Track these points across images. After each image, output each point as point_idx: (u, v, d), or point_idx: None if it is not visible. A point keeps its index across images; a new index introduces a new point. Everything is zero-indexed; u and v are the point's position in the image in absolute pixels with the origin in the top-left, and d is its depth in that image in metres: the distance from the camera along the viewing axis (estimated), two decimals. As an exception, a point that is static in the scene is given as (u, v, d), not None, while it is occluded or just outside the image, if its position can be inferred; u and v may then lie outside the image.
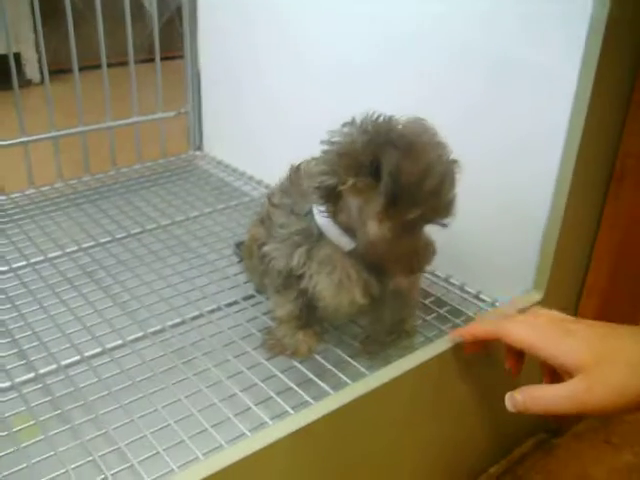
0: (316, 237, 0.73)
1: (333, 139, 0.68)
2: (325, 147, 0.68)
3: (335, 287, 0.74)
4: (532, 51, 0.80)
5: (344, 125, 0.68)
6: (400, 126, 0.66)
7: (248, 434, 0.68)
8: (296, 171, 0.78)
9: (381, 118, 0.67)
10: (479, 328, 0.73)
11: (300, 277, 0.76)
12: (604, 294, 0.92)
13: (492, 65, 0.84)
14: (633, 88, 0.80)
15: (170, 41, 1.36)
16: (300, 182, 0.75)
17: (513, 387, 0.73)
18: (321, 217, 0.72)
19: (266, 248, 0.78)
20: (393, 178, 0.62)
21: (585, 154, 0.78)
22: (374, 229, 0.66)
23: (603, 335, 0.61)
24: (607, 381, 0.57)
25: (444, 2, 0.87)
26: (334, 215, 0.71)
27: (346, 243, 0.72)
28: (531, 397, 0.63)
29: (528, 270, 0.87)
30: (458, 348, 0.77)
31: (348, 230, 0.71)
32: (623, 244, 0.89)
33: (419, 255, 0.71)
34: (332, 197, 0.69)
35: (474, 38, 0.86)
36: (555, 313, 0.67)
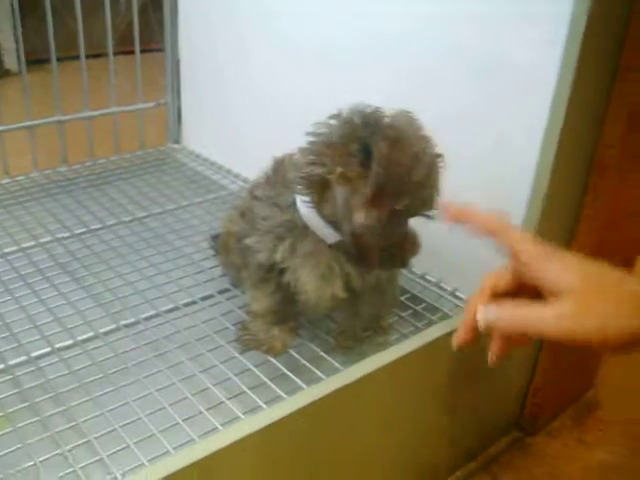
0: (300, 230, 0.73)
1: (319, 130, 0.68)
2: (311, 139, 0.68)
3: (318, 280, 0.74)
4: (513, 49, 0.80)
5: (331, 117, 0.68)
6: (387, 118, 0.66)
7: (220, 428, 0.67)
8: (280, 163, 0.78)
9: (368, 109, 0.67)
10: (479, 218, 0.64)
11: (281, 271, 0.75)
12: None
13: (476, 64, 0.84)
14: (613, 78, 0.80)
15: (144, 32, 1.34)
16: (284, 174, 0.75)
17: (490, 383, 0.73)
18: (305, 208, 0.71)
19: (248, 241, 0.77)
20: (382, 168, 0.62)
21: (564, 148, 0.79)
22: (361, 218, 0.66)
23: (597, 268, 0.57)
24: (597, 310, 0.54)
25: (432, 3, 0.87)
26: (319, 206, 0.70)
27: (330, 235, 0.71)
28: (514, 313, 0.57)
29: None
30: (433, 345, 0.77)
31: (332, 222, 0.70)
32: (603, 238, 0.89)
33: (405, 247, 0.71)
34: (318, 187, 0.68)
35: (459, 38, 0.86)
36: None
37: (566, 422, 1.09)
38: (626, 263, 1.01)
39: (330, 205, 0.69)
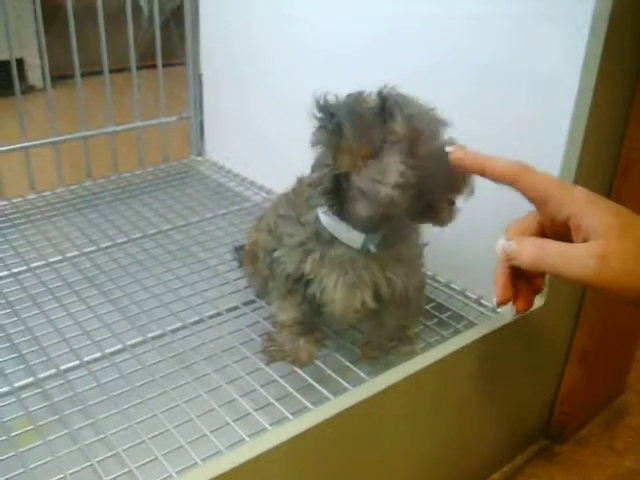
0: (326, 240, 0.73)
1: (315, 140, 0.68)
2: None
3: (346, 289, 0.74)
4: (533, 52, 0.80)
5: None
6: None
7: (247, 439, 0.67)
8: (299, 183, 0.79)
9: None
10: (492, 162, 0.61)
11: (308, 282, 0.76)
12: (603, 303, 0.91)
13: (489, 65, 0.84)
14: (637, 80, 0.80)
15: (166, 47, 1.36)
16: (304, 192, 0.75)
17: (516, 392, 0.72)
18: (327, 218, 0.72)
19: (277, 254, 0.78)
20: (406, 121, 0.63)
21: (588, 152, 0.78)
22: (394, 174, 0.63)
23: (634, 216, 0.54)
24: (627, 252, 0.51)
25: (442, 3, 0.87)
26: (340, 208, 0.69)
27: (356, 238, 0.71)
28: (539, 247, 0.55)
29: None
30: (459, 354, 0.77)
31: (357, 221, 0.70)
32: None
33: (454, 179, 0.66)
34: (334, 188, 0.68)
35: (471, 39, 0.86)
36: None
37: (595, 429, 1.08)
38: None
39: (352, 198, 0.68)
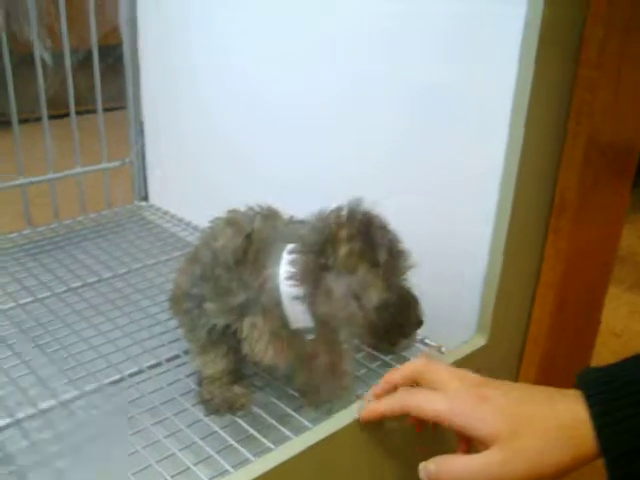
0: (267, 307, 0.72)
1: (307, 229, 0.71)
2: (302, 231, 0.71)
3: (273, 351, 0.74)
4: (461, 80, 0.81)
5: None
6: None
7: (185, 496, 0.65)
8: (247, 239, 0.75)
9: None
10: (384, 407, 0.67)
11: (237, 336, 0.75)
12: (550, 330, 0.92)
13: (420, 96, 0.85)
14: (567, 117, 0.81)
15: (107, 91, 1.35)
16: (256, 251, 0.74)
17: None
18: (289, 298, 0.71)
19: (209, 306, 0.76)
20: (388, 249, 0.67)
21: (522, 191, 0.79)
22: (376, 297, 0.68)
23: (519, 401, 0.58)
24: (523, 452, 0.55)
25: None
26: (311, 297, 0.69)
27: (306, 321, 0.72)
28: (446, 466, 0.59)
29: (472, 314, 0.86)
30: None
31: (319, 314, 0.71)
32: (566, 277, 0.89)
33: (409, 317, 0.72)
34: (314, 279, 0.69)
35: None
36: (468, 376, 0.63)
37: None
38: (591, 292, 1.02)
39: (325, 296, 0.69)
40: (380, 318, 0.69)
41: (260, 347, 0.73)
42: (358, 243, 0.66)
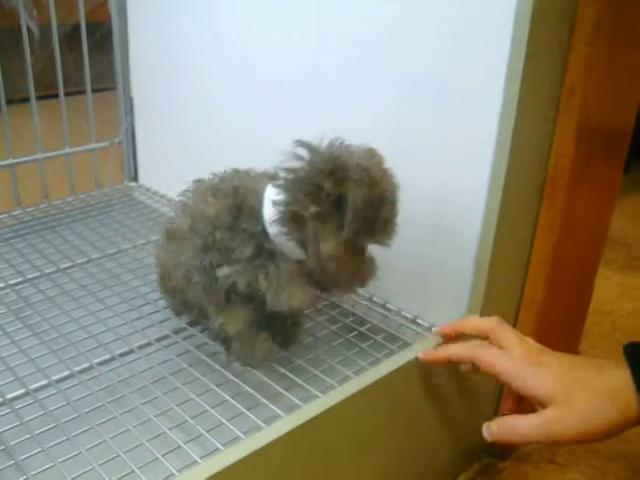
0: (270, 253, 0.76)
1: (291, 165, 0.71)
2: (283, 174, 0.72)
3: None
4: (454, 61, 0.80)
5: (298, 145, 0.71)
6: (357, 157, 0.71)
7: (176, 474, 0.65)
8: (235, 193, 0.79)
9: (338, 145, 0.72)
10: (454, 350, 0.74)
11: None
12: (542, 308, 0.92)
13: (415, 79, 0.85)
14: (562, 86, 0.81)
15: (96, 71, 1.33)
16: (249, 203, 0.77)
17: (456, 410, 0.73)
18: (279, 236, 0.74)
19: (225, 271, 0.77)
20: (356, 213, 0.68)
21: (516, 162, 0.79)
22: (330, 250, 0.71)
23: (572, 367, 0.64)
24: (576, 411, 0.61)
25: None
26: (293, 235, 0.73)
27: (300, 254, 0.74)
28: (506, 427, 0.66)
29: (464, 292, 0.86)
30: (392, 376, 0.76)
31: (303, 246, 0.73)
32: (558, 252, 0.89)
33: (365, 271, 0.76)
34: (294, 221, 0.72)
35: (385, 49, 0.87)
36: (530, 342, 0.70)
37: (536, 445, 1.08)
38: (582, 271, 1.02)
39: (302, 235, 0.72)
40: (330, 266, 0.72)
41: (284, 295, 0.76)
42: (328, 200, 0.69)
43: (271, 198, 0.74)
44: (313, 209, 0.69)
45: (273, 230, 0.74)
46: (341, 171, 0.69)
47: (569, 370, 0.64)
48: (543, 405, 0.63)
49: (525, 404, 0.70)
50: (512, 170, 0.78)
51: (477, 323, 0.75)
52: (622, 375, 0.60)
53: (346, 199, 0.68)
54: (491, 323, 0.73)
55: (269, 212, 0.74)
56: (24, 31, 1.20)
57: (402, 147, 0.84)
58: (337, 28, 0.92)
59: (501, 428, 0.66)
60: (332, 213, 0.70)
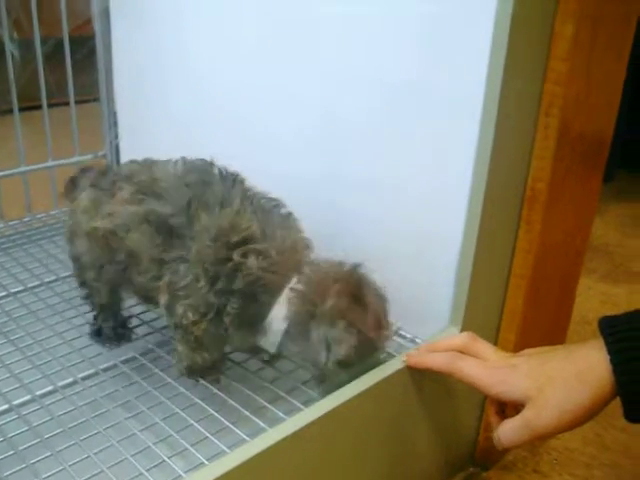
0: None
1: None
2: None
3: None
4: (432, 74, 0.81)
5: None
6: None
7: (160, 490, 0.65)
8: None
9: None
10: (433, 361, 0.76)
11: None
12: (523, 319, 0.93)
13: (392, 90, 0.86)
14: (538, 110, 0.82)
15: (79, 83, 1.33)
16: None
17: (440, 420, 0.74)
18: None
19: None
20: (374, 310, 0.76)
21: (494, 181, 0.79)
22: (345, 351, 0.74)
23: (542, 362, 0.65)
24: (550, 403, 0.62)
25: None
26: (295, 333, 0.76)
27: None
28: (501, 433, 0.66)
29: (445, 305, 0.87)
30: (376, 388, 0.76)
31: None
32: (538, 268, 0.90)
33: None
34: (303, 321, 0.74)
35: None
36: (504, 352, 0.72)
37: (520, 454, 1.08)
38: (563, 281, 1.03)
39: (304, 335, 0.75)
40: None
41: None
42: (345, 300, 0.73)
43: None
44: (330, 304, 0.73)
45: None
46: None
47: (538, 366, 0.65)
48: (523, 406, 0.65)
49: (509, 409, 0.71)
50: (491, 190, 0.79)
51: (451, 342, 0.76)
52: (592, 354, 0.62)
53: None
54: (464, 339, 0.74)
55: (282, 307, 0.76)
56: (8, 53, 1.21)
57: (379, 171, 0.86)
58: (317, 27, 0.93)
59: (499, 434, 0.67)
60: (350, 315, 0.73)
